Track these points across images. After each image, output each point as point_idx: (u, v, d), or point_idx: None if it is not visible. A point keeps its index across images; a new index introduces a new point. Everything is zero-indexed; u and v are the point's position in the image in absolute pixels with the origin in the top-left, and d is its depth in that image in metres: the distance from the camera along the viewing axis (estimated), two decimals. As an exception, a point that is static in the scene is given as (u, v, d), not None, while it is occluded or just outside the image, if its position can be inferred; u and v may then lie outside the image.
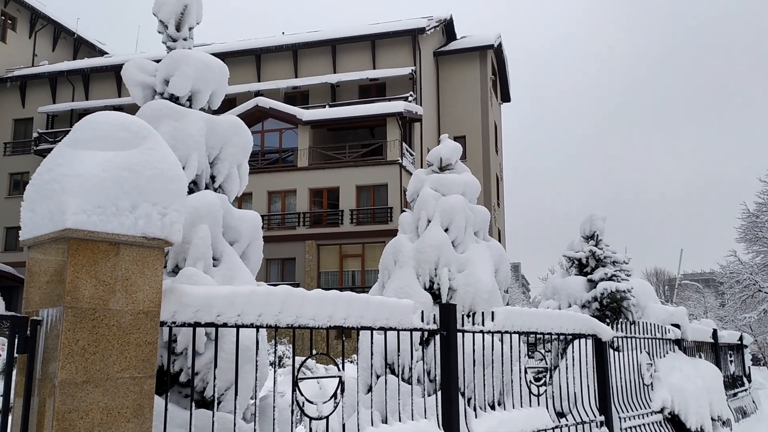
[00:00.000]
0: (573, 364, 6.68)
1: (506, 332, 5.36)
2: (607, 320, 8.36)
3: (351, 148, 30.65)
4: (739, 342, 12.35)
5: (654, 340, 7.86)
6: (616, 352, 7.51)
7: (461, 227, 6.58)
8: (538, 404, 5.65)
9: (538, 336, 5.80)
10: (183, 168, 3.46)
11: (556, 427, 5.69)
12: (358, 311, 3.93)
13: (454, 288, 6.37)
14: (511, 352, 5.48)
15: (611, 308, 8.52)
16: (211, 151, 4.00)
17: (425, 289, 6.41)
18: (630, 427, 6.80)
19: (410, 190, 7.03)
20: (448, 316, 4.88)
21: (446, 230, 6.61)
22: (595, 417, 6.31)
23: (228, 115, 4.28)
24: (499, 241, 39.21)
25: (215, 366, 3.12)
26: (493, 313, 5.30)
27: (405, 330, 4.51)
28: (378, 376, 6.15)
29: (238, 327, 3.18)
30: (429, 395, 5.84)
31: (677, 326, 8.45)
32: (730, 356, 11.28)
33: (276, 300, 3.34)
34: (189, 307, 2.97)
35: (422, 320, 4.63)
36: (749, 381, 13.02)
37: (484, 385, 5.18)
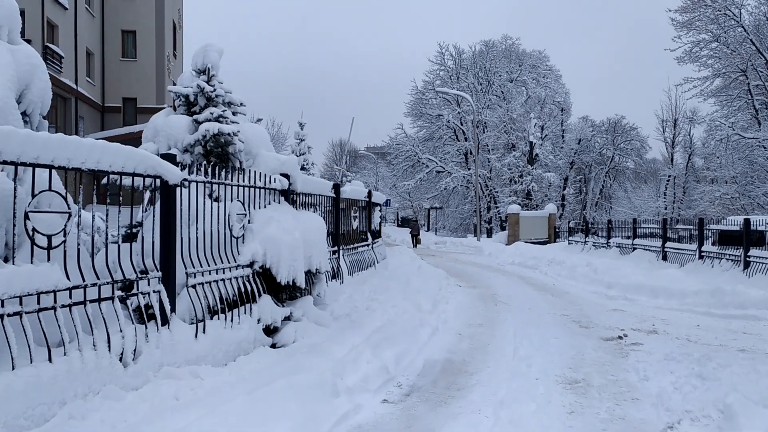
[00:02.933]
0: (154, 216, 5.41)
1: (-14, 160, 3.73)
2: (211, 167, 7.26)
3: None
4: (367, 200, 12.56)
5: (253, 189, 6.98)
6: (216, 202, 6.48)
7: (-39, 15, 4.57)
8: (48, 260, 4.24)
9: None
10: None
11: (76, 287, 4.38)
12: None
13: (-57, 101, 4.45)
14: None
15: (216, 154, 7.40)
16: None
17: None
18: (205, 283, 5.89)
19: None
20: None
21: (-63, 18, 4.55)
22: (149, 273, 5.19)
23: None
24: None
25: None
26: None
27: None
28: None
29: None
30: None
31: (287, 176, 7.73)
32: (355, 212, 11.36)
33: None
34: None
35: None
36: (375, 237, 13.59)
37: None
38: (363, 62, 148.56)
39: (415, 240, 34.94)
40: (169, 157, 5.41)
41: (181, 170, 5.82)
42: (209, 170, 6.22)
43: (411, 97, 53.45)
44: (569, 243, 25.25)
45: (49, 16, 26.29)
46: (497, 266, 21.44)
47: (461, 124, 49.98)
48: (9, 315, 3.88)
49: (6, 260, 4.28)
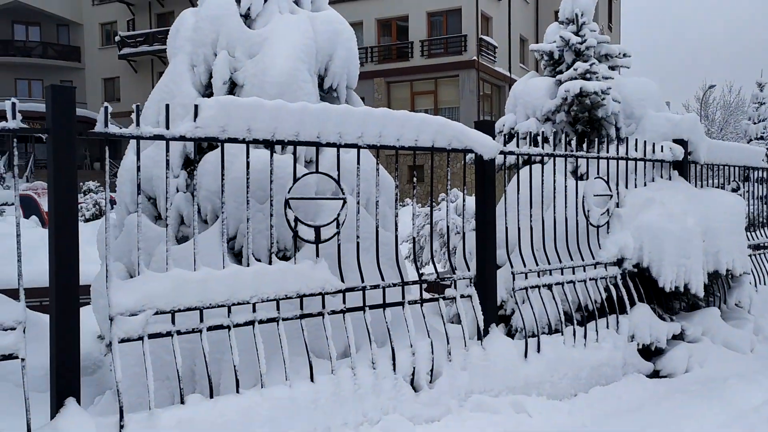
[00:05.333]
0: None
1: (231, 140, 3.20)
2: (578, 137, 5.80)
3: (420, -32, 26.96)
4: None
5: (626, 162, 5.24)
6: (573, 182, 5.08)
7: (257, -12, 4.22)
8: (317, 257, 3.55)
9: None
10: None
11: (350, 289, 3.60)
12: None
13: (241, 82, 4.17)
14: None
15: (583, 120, 5.88)
16: None
17: (203, 85, 4.27)
18: (543, 286, 4.52)
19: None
20: (59, 105, 2.80)
21: (239, -4, 4.31)
22: (454, 273, 4.12)
23: None
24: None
25: None
26: (197, 107, 3.13)
27: None
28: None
29: None
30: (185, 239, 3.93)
31: (683, 143, 5.67)
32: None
33: None
34: None
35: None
36: None
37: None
38: None
39: None
40: (486, 126, 4.22)
41: (543, 143, 4.57)
42: (570, 142, 4.82)
43: None
44: None
45: (484, 10, 27.60)
46: None
47: None
48: (261, 322, 3.30)
49: (287, 258, 3.75)
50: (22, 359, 2.68)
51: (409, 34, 26.58)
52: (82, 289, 4.08)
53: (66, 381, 2.78)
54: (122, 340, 2.89)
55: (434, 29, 26.65)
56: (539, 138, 4.62)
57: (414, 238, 3.89)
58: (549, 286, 4.53)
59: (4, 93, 35.90)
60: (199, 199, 4.07)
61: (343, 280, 3.58)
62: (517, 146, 4.40)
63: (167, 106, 3.09)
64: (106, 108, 2.89)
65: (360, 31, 27.39)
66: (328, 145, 3.51)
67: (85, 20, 38.13)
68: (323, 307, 3.49)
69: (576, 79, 5.84)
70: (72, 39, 38.78)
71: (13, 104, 2.68)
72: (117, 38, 35.65)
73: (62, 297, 2.77)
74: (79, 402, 2.81)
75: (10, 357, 2.66)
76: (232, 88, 4.20)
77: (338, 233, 3.60)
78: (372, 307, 3.67)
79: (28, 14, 37.48)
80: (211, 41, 4.20)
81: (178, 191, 4.10)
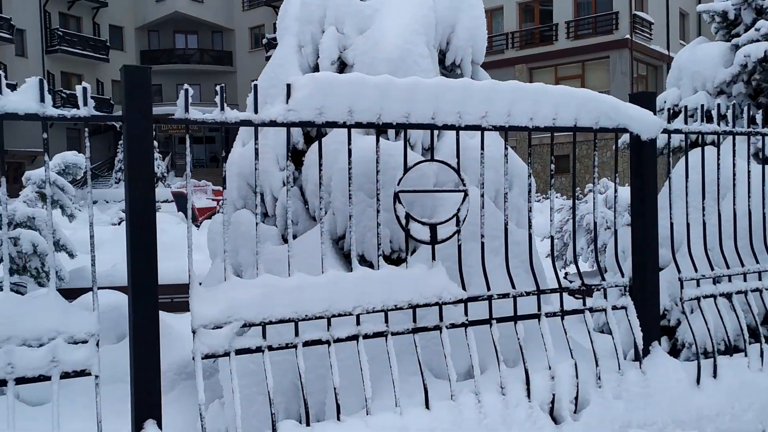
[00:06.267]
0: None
1: (328, 124, 2.75)
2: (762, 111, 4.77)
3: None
4: None
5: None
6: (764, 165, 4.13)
7: (367, -46, 3.73)
8: (433, 260, 2.99)
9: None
10: None
11: (472, 298, 3.01)
12: None
13: (351, 61, 3.71)
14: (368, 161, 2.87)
15: (767, 90, 4.83)
16: None
17: (311, 67, 3.86)
18: (720, 295, 3.64)
19: None
20: (132, 88, 2.47)
21: (349, -34, 3.84)
22: (603, 276, 3.37)
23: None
24: None
25: None
26: (289, 86, 2.70)
27: None
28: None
29: None
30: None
31: None
32: None
33: None
34: None
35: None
36: None
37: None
38: None
39: None
40: (644, 98, 3.44)
41: (718, 119, 3.72)
42: (753, 117, 3.90)
43: None
44: None
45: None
46: None
47: None
48: (366, 336, 2.81)
49: (401, 260, 3.22)
50: (96, 376, 2.38)
51: (554, 15, 25.10)
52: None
53: (145, 401, 2.46)
54: (206, 356, 2.52)
55: (581, 9, 24.96)
56: (713, 113, 3.74)
57: (552, 237, 3.22)
58: (728, 296, 3.64)
59: (167, 99, 38.81)
60: (307, 193, 3.68)
61: (464, 288, 3.00)
62: (685, 123, 3.56)
63: (255, 86, 2.68)
64: (186, 91, 2.53)
65: (500, 17, 26.35)
66: (445, 127, 2.95)
67: (236, 26, 40.22)
68: (440, 319, 2.94)
69: (758, 41, 4.79)
70: (225, 44, 41.11)
71: (84, 89, 2.39)
72: (264, 41, 37.21)
73: (138, 304, 2.44)
74: (160, 425, 2.48)
75: (83, 373, 2.36)
76: (342, 68, 3.75)
77: (458, 231, 3.02)
78: (500, 320, 3.05)
79: (187, 24, 40.20)
80: (319, 18, 3.78)
81: (285, 186, 3.72)
